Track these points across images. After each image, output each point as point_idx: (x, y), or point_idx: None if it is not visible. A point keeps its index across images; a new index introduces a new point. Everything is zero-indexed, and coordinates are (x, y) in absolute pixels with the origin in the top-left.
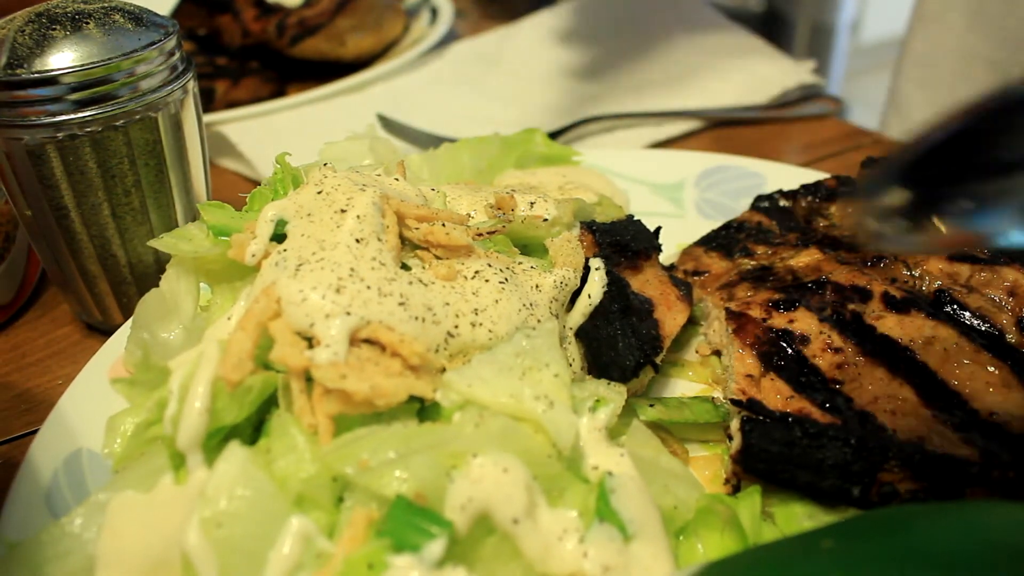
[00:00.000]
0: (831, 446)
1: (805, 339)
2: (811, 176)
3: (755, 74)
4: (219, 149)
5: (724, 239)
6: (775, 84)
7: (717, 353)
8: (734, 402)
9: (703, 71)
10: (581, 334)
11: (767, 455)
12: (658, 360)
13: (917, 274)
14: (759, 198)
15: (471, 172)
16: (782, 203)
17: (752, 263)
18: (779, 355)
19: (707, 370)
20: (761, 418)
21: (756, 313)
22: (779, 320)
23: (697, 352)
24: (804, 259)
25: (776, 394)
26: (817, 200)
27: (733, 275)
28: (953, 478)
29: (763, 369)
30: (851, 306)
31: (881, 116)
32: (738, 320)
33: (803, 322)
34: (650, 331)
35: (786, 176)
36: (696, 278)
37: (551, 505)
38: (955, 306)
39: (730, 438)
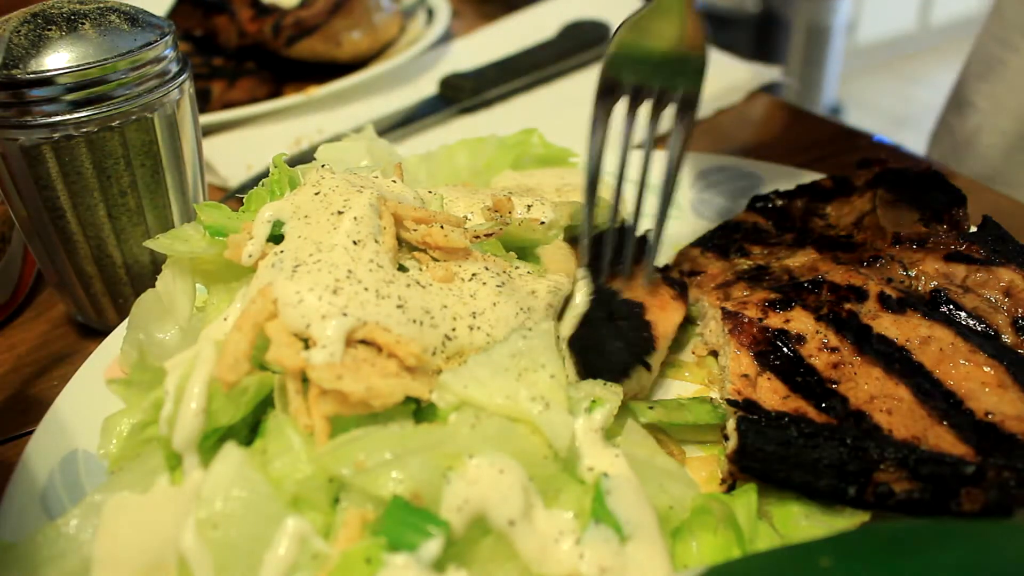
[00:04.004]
0: (826, 446)
1: (801, 339)
2: (807, 177)
3: (722, 81)
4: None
5: (720, 239)
6: (741, 88)
7: (714, 354)
8: (730, 402)
9: None
10: (572, 345)
11: (763, 455)
12: (652, 360)
13: (913, 274)
14: (755, 198)
15: (468, 173)
16: (778, 203)
17: (748, 263)
18: (775, 355)
19: (703, 371)
20: (757, 418)
21: (752, 313)
22: (775, 320)
23: (694, 353)
24: (800, 259)
25: (772, 394)
26: (813, 200)
27: (729, 275)
28: (948, 478)
29: (759, 369)
30: (847, 306)
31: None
32: (734, 320)
33: (799, 322)
34: (641, 333)
35: (783, 177)
36: (692, 278)
37: (547, 506)
38: (951, 306)
39: (726, 438)
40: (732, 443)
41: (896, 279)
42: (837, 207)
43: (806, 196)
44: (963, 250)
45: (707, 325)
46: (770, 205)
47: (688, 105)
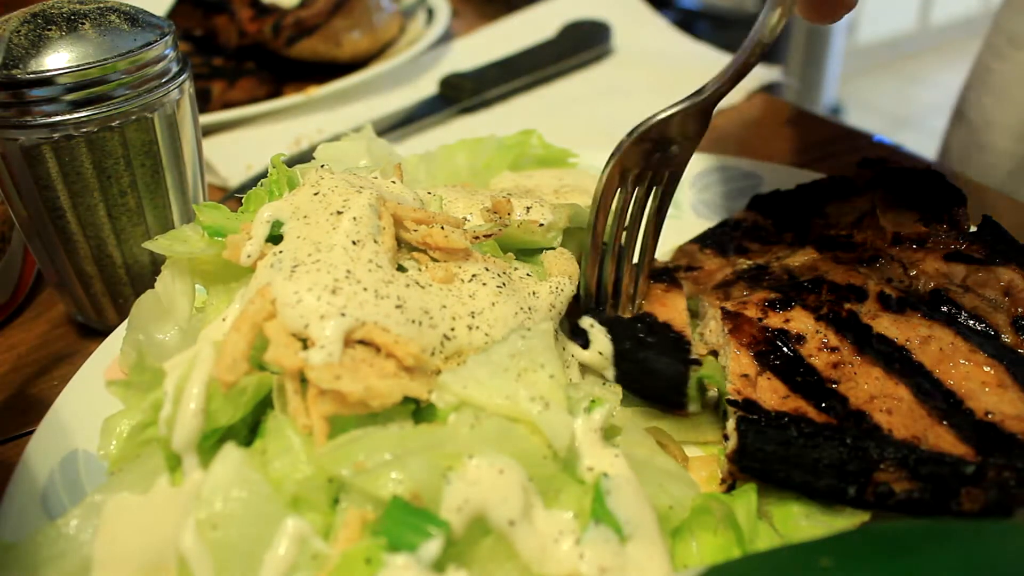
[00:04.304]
0: (826, 446)
1: (801, 338)
2: (807, 177)
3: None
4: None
5: (719, 237)
6: (741, 88)
7: (714, 353)
8: (730, 402)
9: (672, 84)
10: (622, 382)
11: (763, 455)
12: (695, 352)
13: (913, 274)
14: (755, 197)
15: (467, 173)
16: (778, 202)
17: (748, 262)
18: (775, 355)
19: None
20: (756, 418)
21: (752, 312)
22: (775, 320)
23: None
24: (800, 258)
25: (772, 394)
26: (813, 200)
27: (729, 274)
28: (948, 478)
29: (759, 368)
30: (847, 305)
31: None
32: (734, 320)
33: (799, 321)
34: (667, 335)
35: (783, 176)
36: (690, 274)
37: (547, 506)
38: (951, 306)
39: (726, 438)
40: (732, 443)
41: (896, 279)
42: (837, 207)
43: (806, 195)
44: (963, 250)
45: (707, 325)
46: (770, 204)
47: (677, 171)
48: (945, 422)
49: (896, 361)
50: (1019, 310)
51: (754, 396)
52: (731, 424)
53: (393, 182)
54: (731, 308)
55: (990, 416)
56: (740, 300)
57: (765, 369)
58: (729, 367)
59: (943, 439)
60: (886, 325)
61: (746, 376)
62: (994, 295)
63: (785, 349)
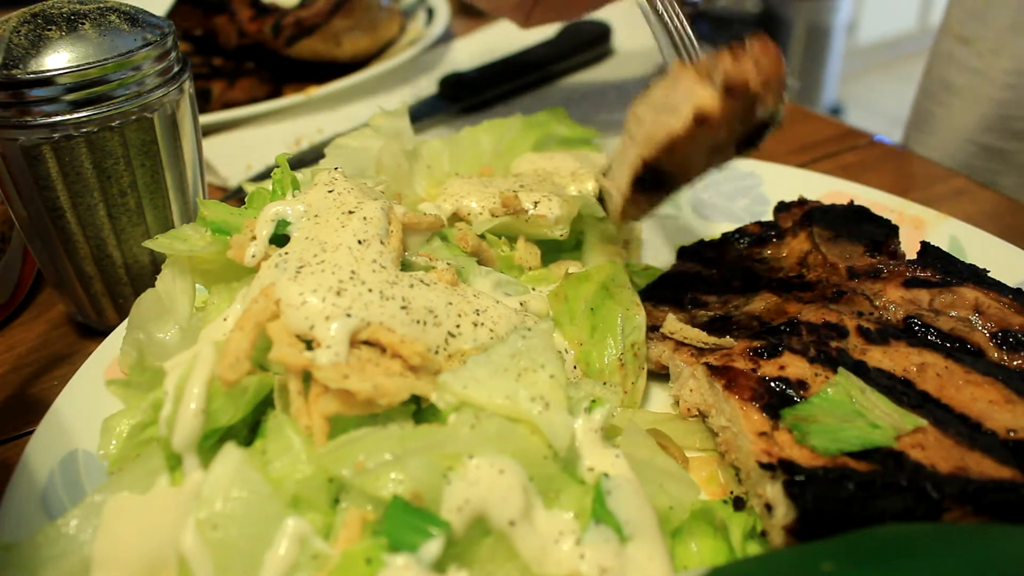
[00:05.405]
0: (888, 494)
1: (803, 384)
2: (807, 176)
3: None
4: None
5: (670, 291)
6: None
7: (701, 415)
8: (764, 466)
9: None
10: None
11: (827, 518)
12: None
13: (879, 304)
14: (682, 249)
15: (491, 155)
16: (708, 253)
17: (708, 314)
18: (784, 405)
19: (695, 436)
20: (804, 479)
21: (742, 364)
22: (770, 368)
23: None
24: (761, 303)
25: (800, 448)
26: (746, 247)
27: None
28: (1013, 504)
29: (774, 423)
30: (833, 344)
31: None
32: (726, 375)
33: (794, 366)
34: None
35: (782, 176)
36: (654, 333)
37: (547, 507)
38: (930, 330)
39: (768, 508)
40: (785, 513)
41: (866, 311)
42: (774, 249)
43: (735, 243)
44: (919, 275)
45: (684, 385)
46: (702, 254)
47: None
48: (976, 448)
49: (902, 394)
50: (992, 325)
51: (785, 455)
52: (774, 491)
53: (395, 204)
54: (716, 363)
55: (1013, 434)
56: (721, 353)
57: (780, 422)
58: (740, 427)
59: (984, 465)
60: (879, 358)
61: (765, 434)
62: (964, 314)
63: (795, 397)
